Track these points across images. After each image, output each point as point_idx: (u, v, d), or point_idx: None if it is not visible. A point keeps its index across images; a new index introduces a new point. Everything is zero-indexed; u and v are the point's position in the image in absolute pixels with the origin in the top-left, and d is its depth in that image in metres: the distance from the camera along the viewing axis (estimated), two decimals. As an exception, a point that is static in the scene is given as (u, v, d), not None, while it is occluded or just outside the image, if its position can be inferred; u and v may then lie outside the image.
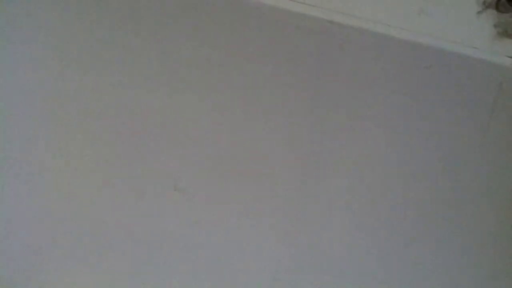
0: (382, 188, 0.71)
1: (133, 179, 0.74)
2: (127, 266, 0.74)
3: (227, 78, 0.71)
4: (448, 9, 0.63)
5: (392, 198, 0.71)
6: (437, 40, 0.63)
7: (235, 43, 0.69)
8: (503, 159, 0.67)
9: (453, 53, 0.63)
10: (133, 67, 0.71)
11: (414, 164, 0.69)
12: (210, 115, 0.72)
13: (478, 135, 0.66)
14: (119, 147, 0.73)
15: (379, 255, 0.75)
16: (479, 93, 0.64)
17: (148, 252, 0.74)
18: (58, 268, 0.73)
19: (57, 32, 0.69)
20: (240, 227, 0.75)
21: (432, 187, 0.70)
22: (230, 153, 0.74)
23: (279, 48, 0.68)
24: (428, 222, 0.71)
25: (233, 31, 0.68)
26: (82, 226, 0.73)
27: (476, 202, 0.69)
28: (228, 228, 0.75)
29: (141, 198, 0.74)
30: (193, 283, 0.76)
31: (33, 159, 0.73)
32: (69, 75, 0.71)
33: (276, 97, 0.71)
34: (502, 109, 0.64)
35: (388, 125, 0.69)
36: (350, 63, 0.67)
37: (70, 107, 0.72)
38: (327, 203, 0.74)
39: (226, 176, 0.74)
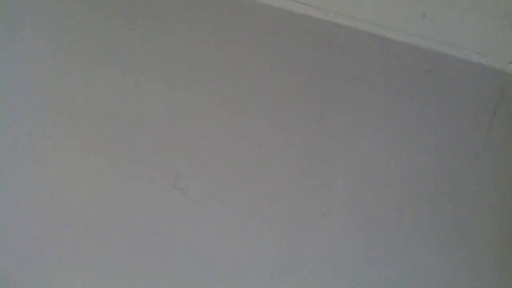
0: (382, 190, 0.72)
1: (132, 177, 0.74)
2: (126, 264, 0.74)
3: (227, 78, 0.71)
4: (451, 14, 0.63)
5: (391, 201, 0.72)
6: (439, 44, 0.63)
7: (236, 43, 0.69)
8: (504, 163, 0.67)
9: (454, 58, 0.63)
10: (133, 66, 0.71)
11: (415, 167, 0.69)
12: (210, 114, 0.72)
13: (479, 139, 0.66)
14: (119, 145, 0.73)
15: (377, 254, 0.75)
16: (481, 98, 0.64)
17: (147, 250, 0.75)
18: (56, 267, 0.73)
19: (58, 31, 0.69)
20: (239, 224, 0.76)
21: (433, 190, 0.70)
22: (230, 152, 0.74)
23: (280, 49, 0.68)
24: (428, 224, 0.71)
25: (233, 31, 0.68)
26: (81, 225, 0.73)
27: (477, 206, 0.69)
28: (227, 225, 0.76)
29: (141, 197, 0.74)
30: (191, 280, 0.76)
31: (32, 156, 0.73)
32: (69, 74, 0.71)
33: (276, 97, 0.71)
34: (503, 114, 0.64)
35: (388, 128, 0.69)
36: (351, 65, 0.67)
37: (69, 105, 0.72)
38: (326, 202, 0.74)
39: (226, 174, 0.74)
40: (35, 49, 0.69)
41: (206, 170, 0.74)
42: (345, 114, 0.69)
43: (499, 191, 0.68)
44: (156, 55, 0.70)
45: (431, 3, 0.64)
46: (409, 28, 0.63)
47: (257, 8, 0.66)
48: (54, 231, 0.72)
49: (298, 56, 0.68)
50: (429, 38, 0.62)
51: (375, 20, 0.63)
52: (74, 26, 0.69)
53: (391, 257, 0.74)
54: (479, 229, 0.70)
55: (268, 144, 0.73)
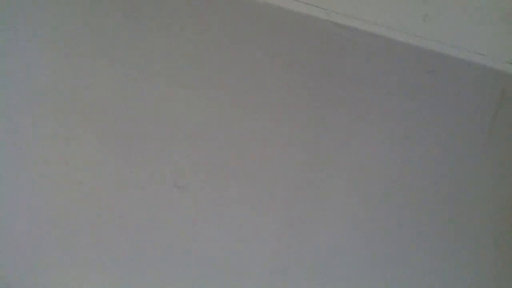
0: (382, 190, 0.72)
1: (133, 176, 0.74)
2: (126, 263, 0.74)
3: (228, 77, 0.71)
4: (453, 15, 0.63)
5: (391, 201, 0.72)
6: (441, 45, 0.62)
7: (236, 42, 0.69)
8: (505, 164, 0.67)
9: (456, 58, 0.62)
10: (133, 64, 0.71)
11: (415, 167, 0.69)
12: (211, 113, 0.72)
13: (479, 140, 0.66)
14: (119, 144, 0.73)
15: (377, 254, 0.75)
16: (482, 99, 0.64)
17: (147, 249, 0.75)
18: (56, 266, 0.73)
19: (58, 30, 0.69)
20: (239, 224, 0.76)
21: (433, 191, 0.70)
22: (230, 151, 0.74)
23: (281, 48, 0.68)
24: (427, 225, 0.72)
25: (234, 30, 0.68)
26: (81, 224, 0.73)
27: (477, 206, 0.69)
28: (227, 225, 0.76)
29: (141, 195, 0.74)
30: (191, 279, 0.76)
31: (32, 154, 0.72)
32: (69, 71, 0.71)
33: (277, 96, 0.71)
34: (504, 115, 0.64)
35: (389, 128, 0.69)
36: (353, 65, 0.67)
37: (69, 104, 0.71)
38: (325, 201, 0.74)
39: (226, 173, 0.74)
40: (35, 49, 0.69)
41: (207, 169, 0.74)
42: (346, 114, 0.69)
43: (499, 191, 0.68)
44: (156, 54, 0.70)
45: (433, 3, 0.64)
46: (410, 29, 0.63)
47: (258, 7, 0.66)
48: (54, 231, 0.72)
49: (299, 55, 0.68)
50: (430, 39, 0.62)
51: (377, 20, 0.63)
52: (75, 25, 0.68)
53: (391, 257, 0.74)
54: (479, 229, 0.70)
55: (268, 143, 0.73)
